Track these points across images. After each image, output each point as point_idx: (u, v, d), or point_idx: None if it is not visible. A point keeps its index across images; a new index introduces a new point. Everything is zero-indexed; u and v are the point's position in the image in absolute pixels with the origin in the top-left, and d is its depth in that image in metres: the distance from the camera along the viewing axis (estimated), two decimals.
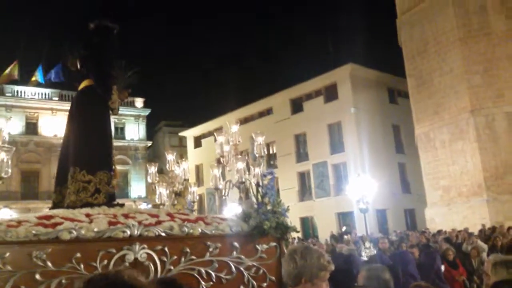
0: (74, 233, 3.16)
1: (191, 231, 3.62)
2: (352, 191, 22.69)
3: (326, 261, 2.46)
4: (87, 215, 3.55)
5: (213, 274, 3.60)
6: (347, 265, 6.17)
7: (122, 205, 4.40)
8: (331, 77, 30.06)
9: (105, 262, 3.20)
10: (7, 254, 2.91)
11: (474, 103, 22.71)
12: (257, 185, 4.31)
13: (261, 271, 3.85)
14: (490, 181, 22.11)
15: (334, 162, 29.64)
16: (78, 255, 3.12)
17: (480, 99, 22.60)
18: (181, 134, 43.78)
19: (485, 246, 12.03)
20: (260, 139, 4.82)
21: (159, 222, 3.62)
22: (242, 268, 3.75)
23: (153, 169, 6.28)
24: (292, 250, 2.49)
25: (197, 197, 6.67)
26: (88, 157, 4.35)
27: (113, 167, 4.58)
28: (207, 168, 34.41)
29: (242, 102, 35.77)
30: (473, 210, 22.14)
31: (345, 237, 18.46)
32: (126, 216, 3.67)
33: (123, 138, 36.90)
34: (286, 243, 4.05)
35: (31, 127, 34.04)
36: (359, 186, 21.84)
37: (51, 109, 34.26)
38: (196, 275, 3.55)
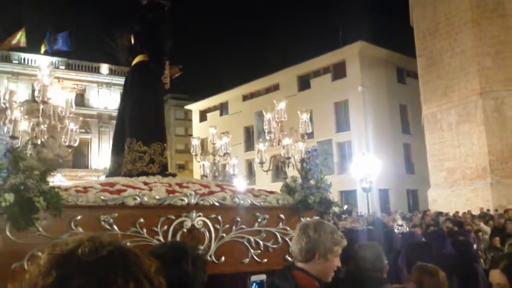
0: (138, 199, 3.33)
1: (242, 202, 3.82)
2: (356, 170, 22.70)
3: (340, 236, 2.43)
4: (145, 183, 3.76)
5: (261, 242, 3.81)
6: (387, 241, 6.45)
7: (174, 175, 4.63)
8: (340, 54, 29.74)
9: (165, 227, 3.39)
10: (79, 217, 3.07)
11: (484, 85, 22.44)
12: (302, 161, 4.45)
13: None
14: (495, 164, 22.01)
15: (339, 141, 29.57)
16: (141, 220, 3.30)
17: (490, 82, 22.32)
18: (187, 107, 43.73)
19: (487, 229, 12.04)
20: (305, 116, 4.96)
21: (211, 192, 3.81)
22: (287, 239, 3.94)
23: (195, 141, 6.50)
24: (304, 225, 2.44)
25: (237, 170, 6.84)
26: (143, 129, 4.57)
27: (166, 138, 4.81)
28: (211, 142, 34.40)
29: (249, 77, 35.55)
30: (476, 193, 22.11)
31: (353, 214, 18.55)
32: (180, 185, 3.89)
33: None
34: (328, 217, 4.29)
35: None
36: (363, 165, 21.82)
37: (58, 78, 34.20)
38: (246, 243, 3.78)
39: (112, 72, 36.51)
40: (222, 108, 38.90)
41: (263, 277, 1.80)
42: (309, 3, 69.75)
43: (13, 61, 33.64)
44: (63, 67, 34.60)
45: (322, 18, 66.01)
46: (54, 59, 34.22)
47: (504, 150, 21.81)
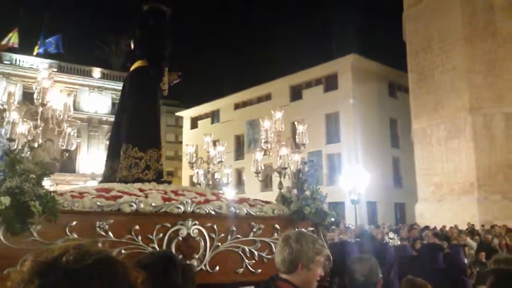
0: (134, 206, 3.32)
1: (238, 211, 3.82)
2: (345, 182, 22.75)
3: (321, 245, 2.44)
4: (141, 190, 3.76)
5: (256, 252, 3.81)
6: (380, 252, 6.53)
7: (169, 182, 4.62)
8: (332, 66, 29.92)
9: (161, 235, 3.38)
10: (74, 223, 3.04)
11: (474, 102, 22.72)
12: (298, 171, 4.45)
13: None
14: (482, 180, 22.24)
15: (329, 152, 29.64)
16: (137, 227, 3.29)
17: (480, 99, 22.61)
18: (178, 114, 43.60)
19: (474, 244, 12.10)
20: (301, 128, 4.98)
21: (207, 201, 3.81)
22: None
23: (191, 148, 6.45)
24: (286, 236, 2.45)
25: (230, 179, 6.83)
26: (140, 135, 4.56)
27: (161, 145, 4.79)
28: (202, 149, 34.35)
29: (241, 86, 35.61)
30: (463, 208, 22.27)
31: (341, 226, 18.55)
32: (175, 193, 3.88)
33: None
34: (323, 228, 4.27)
35: (28, 97, 33.77)
36: (352, 177, 21.89)
37: None
38: (240, 252, 3.76)
39: (104, 76, 36.34)
40: (214, 116, 38.86)
41: None
42: (303, 14, 70.27)
43: (5, 62, 33.37)
44: (55, 70, 34.36)
45: (316, 30, 66.51)
46: (46, 61, 34.03)
47: (491, 166, 22.05)
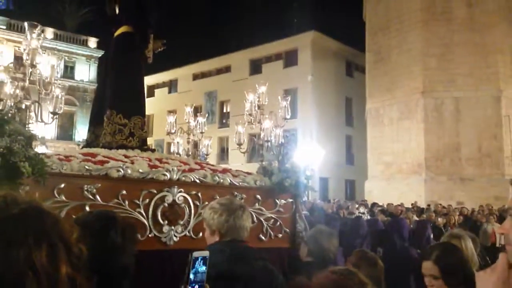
0: (122, 171, 3.36)
1: (222, 180, 3.89)
2: (300, 158, 23.08)
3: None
4: (126, 156, 3.79)
5: None
6: (355, 226, 6.75)
7: (153, 150, 4.65)
8: (293, 42, 30.04)
9: (147, 201, 3.44)
10: (62, 185, 3.06)
11: (426, 85, 23.48)
12: (280, 145, 4.54)
13: (278, 223, 4.18)
14: (430, 161, 23.18)
15: (286, 128, 29.90)
16: (124, 192, 3.34)
17: (432, 82, 23.38)
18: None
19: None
20: (284, 103, 5.10)
21: (191, 170, 3.85)
22: (262, 219, 4.08)
23: (171, 118, 6.41)
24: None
25: (210, 150, 6.86)
26: (124, 102, 4.55)
27: (145, 113, 4.82)
28: (158, 119, 33.93)
29: (200, 56, 35.12)
30: (410, 187, 23.18)
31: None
32: (160, 161, 3.92)
33: (72, 78, 35.39)
34: (300, 200, 4.45)
35: None
36: (306, 152, 22.27)
37: None
38: None
39: (56, 37, 34.83)
40: (171, 85, 38.28)
41: (206, 253, 1.77)
42: None
43: None
44: (4, 27, 32.66)
45: (278, 5, 66.11)
46: None
47: (440, 148, 23.00)
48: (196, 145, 6.40)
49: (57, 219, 0.97)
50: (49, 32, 34.34)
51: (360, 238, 6.71)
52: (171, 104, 34.32)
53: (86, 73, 36.38)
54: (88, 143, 4.73)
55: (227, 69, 33.88)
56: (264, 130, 4.82)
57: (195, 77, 36.14)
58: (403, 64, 24.49)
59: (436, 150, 23.06)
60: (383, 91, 25.46)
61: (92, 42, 36.78)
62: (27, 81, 3.16)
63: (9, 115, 2.72)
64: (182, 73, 36.74)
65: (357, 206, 12.02)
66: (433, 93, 23.36)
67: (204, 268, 1.75)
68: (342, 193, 29.61)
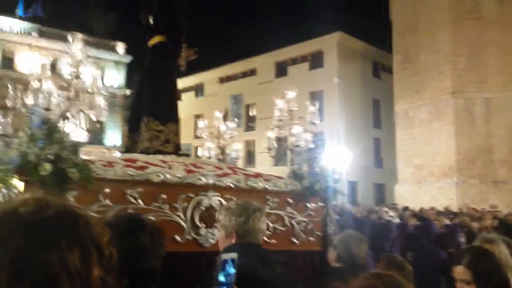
0: (161, 176, 3.47)
1: (254, 185, 3.97)
2: (327, 161, 22.92)
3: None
4: (163, 162, 3.90)
5: (270, 224, 3.92)
6: (385, 230, 6.68)
7: (188, 155, 4.79)
8: (318, 43, 29.96)
9: (185, 204, 3.54)
10: (107, 190, 3.17)
11: (456, 85, 23.05)
12: (309, 149, 4.58)
13: (309, 226, 4.23)
14: (461, 164, 22.71)
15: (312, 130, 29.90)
16: (164, 196, 3.44)
17: (462, 82, 22.94)
18: None
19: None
20: (313, 108, 5.12)
21: (225, 174, 3.95)
22: (293, 222, 4.14)
23: (201, 123, 6.53)
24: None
25: (240, 154, 7.00)
26: (161, 109, 4.72)
27: (179, 120, 4.96)
28: (185, 123, 34.26)
29: (226, 60, 35.35)
30: (442, 191, 22.77)
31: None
32: (194, 165, 4.02)
33: (101, 83, 36.07)
34: (331, 204, 4.48)
35: (7, 62, 32.92)
36: (334, 156, 22.15)
37: (29, 44, 33.13)
38: None
39: (85, 43, 35.54)
40: (198, 89, 38.65)
41: (234, 255, 1.77)
42: None
43: None
44: (36, 34, 33.53)
45: (303, 7, 66.05)
46: (27, 25, 33.14)
47: (471, 150, 22.52)
48: (224, 149, 6.49)
49: (89, 222, 0.98)
50: (78, 38, 35.00)
51: (390, 241, 6.67)
52: (198, 108, 34.67)
53: (115, 78, 37.02)
54: (127, 149, 4.89)
55: (252, 72, 34.01)
56: (294, 135, 4.86)
57: (221, 80, 36.40)
58: (432, 65, 24.10)
59: (467, 152, 22.60)
60: (411, 92, 25.12)
61: (120, 47, 37.40)
62: (72, 91, 3.28)
63: (57, 123, 2.83)
64: (208, 77, 37.05)
65: (386, 210, 11.90)
66: (463, 93, 22.92)
67: (233, 270, 1.76)
68: (371, 197, 29.32)
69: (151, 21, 4.99)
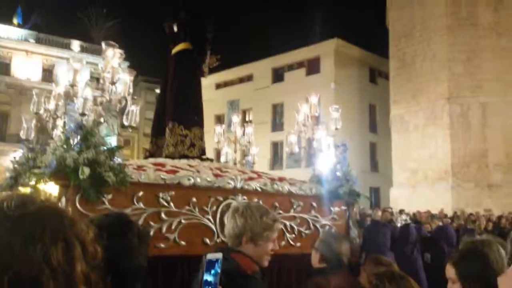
0: (192, 180, 3.54)
1: (280, 189, 4.06)
2: (323, 165, 23.01)
3: (272, 219, 2.27)
4: (190, 166, 3.96)
5: (295, 227, 4.05)
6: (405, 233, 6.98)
7: (211, 160, 4.90)
8: (315, 50, 30.12)
9: (214, 208, 3.62)
10: (140, 193, 3.24)
11: (452, 90, 23.28)
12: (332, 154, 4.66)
13: (333, 230, 4.29)
14: (456, 168, 22.90)
15: (311, 136, 29.99)
16: (194, 199, 3.52)
17: (458, 88, 23.18)
18: (158, 91, 43.08)
19: None
20: (335, 114, 5.23)
21: (251, 178, 4.03)
22: (318, 225, 4.23)
23: (219, 128, 6.57)
24: (233, 209, 2.31)
25: (257, 158, 7.03)
26: (185, 114, 4.83)
27: (203, 124, 5.06)
28: None
29: (223, 65, 35.31)
30: (437, 195, 22.89)
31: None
32: (219, 169, 4.09)
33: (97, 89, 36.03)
34: (354, 208, 4.53)
35: (3, 67, 32.83)
36: (329, 160, 22.13)
37: (26, 51, 33.08)
38: (282, 227, 3.94)
39: (83, 49, 35.55)
40: None
41: (219, 255, 1.75)
42: None
43: None
44: (33, 41, 33.49)
45: (300, 13, 66.35)
46: (24, 31, 33.10)
47: (466, 154, 22.73)
48: (244, 153, 6.51)
49: (73, 218, 0.98)
50: (76, 44, 35.14)
51: (411, 244, 6.77)
52: None
53: None
54: (151, 154, 4.96)
55: (249, 78, 34.10)
56: (317, 141, 4.95)
57: (218, 86, 36.46)
58: (428, 70, 24.34)
59: (462, 156, 22.80)
60: (407, 97, 25.33)
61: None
62: (108, 96, 3.37)
63: (92, 128, 2.91)
64: (205, 82, 36.80)
65: (400, 215, 12.05)
66: (459, 99, 23.15)
67: (218, 270, 1.75)
68: (367, 200, 29.40)
69: (175, 29, 5.07)
